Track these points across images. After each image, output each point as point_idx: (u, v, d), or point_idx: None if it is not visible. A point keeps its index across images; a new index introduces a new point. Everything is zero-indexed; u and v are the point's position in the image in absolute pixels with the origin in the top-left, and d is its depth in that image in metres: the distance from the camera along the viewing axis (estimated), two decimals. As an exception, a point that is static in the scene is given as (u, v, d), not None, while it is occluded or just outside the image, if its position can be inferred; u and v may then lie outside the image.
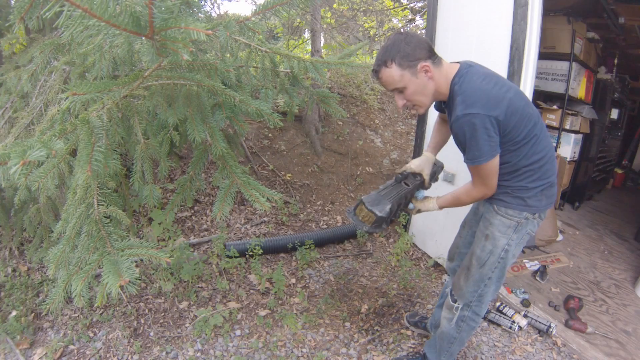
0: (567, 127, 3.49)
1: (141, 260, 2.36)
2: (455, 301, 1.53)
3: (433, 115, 1.67)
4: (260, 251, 2.49)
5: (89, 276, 0.84)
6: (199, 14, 1.14)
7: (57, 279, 0.94)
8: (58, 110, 1.21)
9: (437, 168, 1.71)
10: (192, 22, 0.66)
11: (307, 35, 6.25)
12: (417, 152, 2.73)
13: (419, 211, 1.53)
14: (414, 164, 1.58)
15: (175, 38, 0.68)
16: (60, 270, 0.91)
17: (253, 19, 1.07)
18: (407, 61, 1.23)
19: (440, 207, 1.49)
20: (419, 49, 1.24)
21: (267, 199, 1.06)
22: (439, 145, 1.69)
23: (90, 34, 0.64)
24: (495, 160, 1.25)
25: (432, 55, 1.27)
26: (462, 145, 1.26)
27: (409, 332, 2.03)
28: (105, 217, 0.95)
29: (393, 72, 1.24)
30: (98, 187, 0.98)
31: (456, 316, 1.53)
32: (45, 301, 2.07)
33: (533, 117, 1.27)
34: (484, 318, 2.11)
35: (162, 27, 0.67)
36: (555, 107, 3.48)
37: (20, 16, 0.90)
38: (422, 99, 1.31)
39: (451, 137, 1.60)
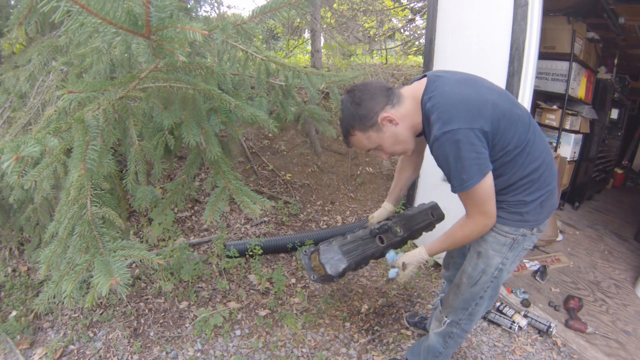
0: (567, 127, 3.49)
1: (141, 261, 2.36)
2: (445, 316, 1.46)
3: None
4: (260, 251, 2.49)
5: (80, 277, 0.84)
6: (195, 17, 1.14)
7: (52, 277, 0.94)
8: (55, 110, 1.22)
9: (437, 216, 1.59)
10: (188, 23, 0.66)
11: (307, 35, 6.25)
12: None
13: (405, 276, 1.33)
14: (377, 216, 1.56)
15: (172, 38, 0.68)
16: (52, 270, 0.91)
17: (250, 23, 1.07)
18: (365, 123, 1.16)
19: (432, 254, 1.29)
20: (372, 103, 1.15)
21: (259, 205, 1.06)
22: (402, 192, 1.61)
23: (87, 32, 0.64)
24: (489, 180, 1.08)
25: (389, 98, 1.17)
26: (445, 170, 1.10)
27: (409, 332, 2.03)
28: (99, 218, 0.95)
29: (359, 138, 1.21)
30: (92, 188, 0.97)
31: (443, 331, 1.47)
32: (39, 302, 2.07)
33: (524, 119, 1.14)
34: (484, 318, 2.11)
35: (158, 27, 0.67)
36: (555, 107, 3.48)
37: (19, 21, 0.91)
38: (401, 147, 1.23)
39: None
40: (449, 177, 1.11)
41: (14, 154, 0.66)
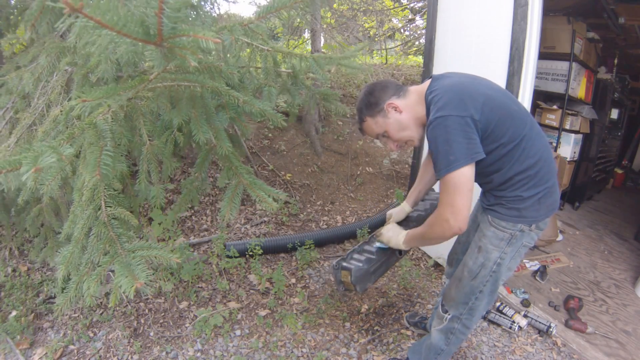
0: (567, 127, 3.49)
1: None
2: (446, 312, 1.48)
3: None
4: (260, 251, 2.49)
5: (102, 278, 0.85)
6: (203, 16, 1.14)
7: (57, 278, 0.95)
8: (61, 112, 1.22)
9: None
10: (200, 31, 0.67)
11: (307, 35, 6.25)
12: (417, 152, 2.73)
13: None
14: (395, 215, 1.62)
15: (184, 45, 0.69)
16: (70, 271, 0.92)
17: (256, 22, 1.07)
18: (374, 109, 1.31)
19: (407, 244, 1.40)
20: (381, 93, 1.31)
21: (273, 198, 1.07)
22: (421, 194, 1.66)
23: (101, 43, 0.65)
24: (472, 169, 1.10)
25: (397, 91, 1.31)
26: (434, 152, 1.14)
27: (409, 332, 2.03)
28: (114, 218, 0.96)
29: (369, 123, 1.35)
30: (105, 188, 0.98)
31: (445, 327, 1.49)
32: (46, 302, 2.07)
33: (521, 115, 1.19)
34: (484, 318, 2.11)
35: (170, 35, 0.69)
36: (555, 107, 3.48)
37: (32, 23, 0.92)
38: (406, 134, 1.33)
39: None
40: (437, 161, 1.13)
41: (32, 165, 0.67)
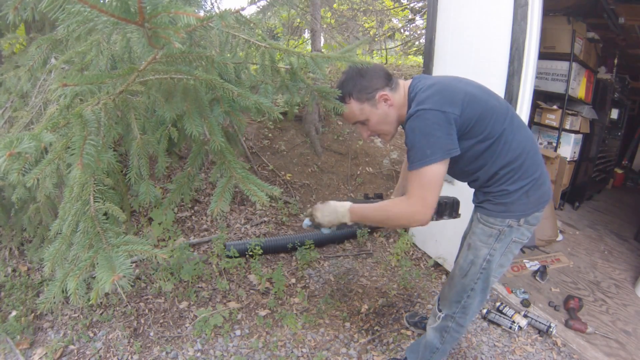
0: (567, 127, 3.49)
1: (141, 260, 2.36)
2: (440, 310, 1.49)
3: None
4: (260, 251, 2.49)
5: (83, 273, 0.83)
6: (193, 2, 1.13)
7: (55, 277, 0.94)
8: (57, 108, 1.21)
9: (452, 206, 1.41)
10: (181, 7, 0.64)
11: (307, 35, 6.25)
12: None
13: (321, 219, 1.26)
14: None
15: (167, 24, 0.65)
16: (57, 268, 0.90)
17: (248, 8, 1.06)
18: (364, 94, 1.23)
19: (353, 214, 1.23)
20: (375, 79, 1.23)
21: (267, 194, 1.04)
22: (404, 190, 1.62)
23: (79, 22, 0.62)
24: (445, 166, 1.10)
25: (389, 81, 1.25)
26: (410, 144, 1.12)
27: (409, 332, 2.03)
28: (102, 213, 0.94)
29: (352, 107, 1.25)
30: (94, 184, 0.96)
31: (439, 325, 1.49)
32: (43, 301, 2.07)
33: (500, 110, 1.18)
34: (484, 318, 2.11)
35: (152, 14, 0.65)
36: (555, 107, 3.48)
37: (15, 5, 0.90)
38: (386, 128, 1.30)
39: None
40: (412, 153, 1.11)
41: (7, 150, 0.64)
